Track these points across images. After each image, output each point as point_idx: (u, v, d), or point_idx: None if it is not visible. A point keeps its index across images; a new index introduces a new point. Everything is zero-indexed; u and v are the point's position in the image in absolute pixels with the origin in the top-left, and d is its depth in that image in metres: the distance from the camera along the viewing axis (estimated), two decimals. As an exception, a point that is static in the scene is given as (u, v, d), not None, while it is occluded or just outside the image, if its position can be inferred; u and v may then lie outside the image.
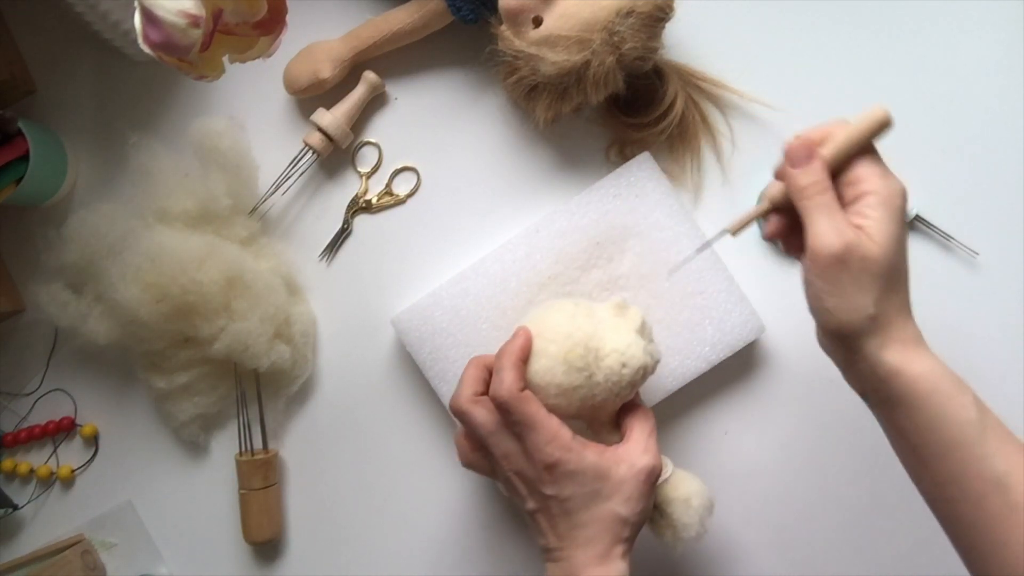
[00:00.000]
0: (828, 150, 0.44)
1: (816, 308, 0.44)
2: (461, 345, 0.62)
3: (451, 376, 0.62)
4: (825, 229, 0.42)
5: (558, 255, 0.62)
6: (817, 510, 0.63)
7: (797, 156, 0.44)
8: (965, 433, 0.41)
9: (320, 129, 0.64)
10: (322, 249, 0.67)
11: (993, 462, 0.40)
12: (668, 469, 0.53)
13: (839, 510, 0.63)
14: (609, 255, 0.62)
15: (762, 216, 0.48)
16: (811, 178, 0.43)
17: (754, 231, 0.65)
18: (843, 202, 0.44)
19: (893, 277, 0.42)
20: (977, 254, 0.63)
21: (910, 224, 0.63)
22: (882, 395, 0.43)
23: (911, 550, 0.63)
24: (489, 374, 0.52)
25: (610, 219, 0.62)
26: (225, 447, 0.67)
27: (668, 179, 0.63)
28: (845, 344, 0.43)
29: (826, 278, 0.42)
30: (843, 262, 0.41)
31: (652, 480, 0.50)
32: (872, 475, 0.63)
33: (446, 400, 0.62)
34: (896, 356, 0.42)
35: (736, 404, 0.64)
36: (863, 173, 0.43)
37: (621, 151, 0.65)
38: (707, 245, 0.54)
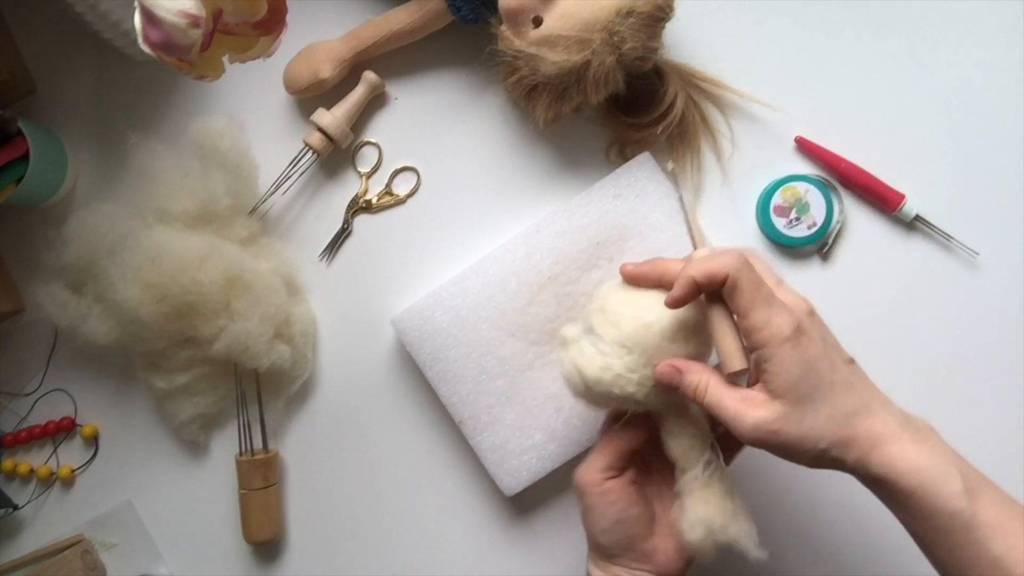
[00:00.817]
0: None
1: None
2: (461, 345, 0.62)
3: (451, 376, 0.62)
4: (730, 417, 0.44)
5: (558, 255, 0.62)
6: (819, 513, 0.63)
7: (669, 379, 0.47)
8: (955, 522, 0.41)
9: (320, 129, 0.64)
10: (322, 249, 0.67)
11: (989, 545, 0.41)
12: (695, 479, 0.50)
13: (840, 514, 0.63)
14: (609, 255, 0.62)
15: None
16: (692, 382, 0.46)
17: (755, 230, 0.65)
18: (752, 347, 0.44)
19: (821, 405, 0.43)
20: (977, 254, 0.63)
21: (910, 224, 0.63)
22: (875, 493, 0.45)
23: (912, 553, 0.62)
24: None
25: (610, 219, 0.62)
26: (225, 447, 0.67)
27: (668, 179, 0.63)
28: (827, 467, 0.44)
29: (766, 448, 0.44)
30: (762, 437, 0.43)
31: (581, 491, 0.51)
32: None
33: (446, 400, 0.62)
34: (875, 463, 0.43)
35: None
36: (753, 322, 0.44)
37: (621, 151, 0.65)
38: None
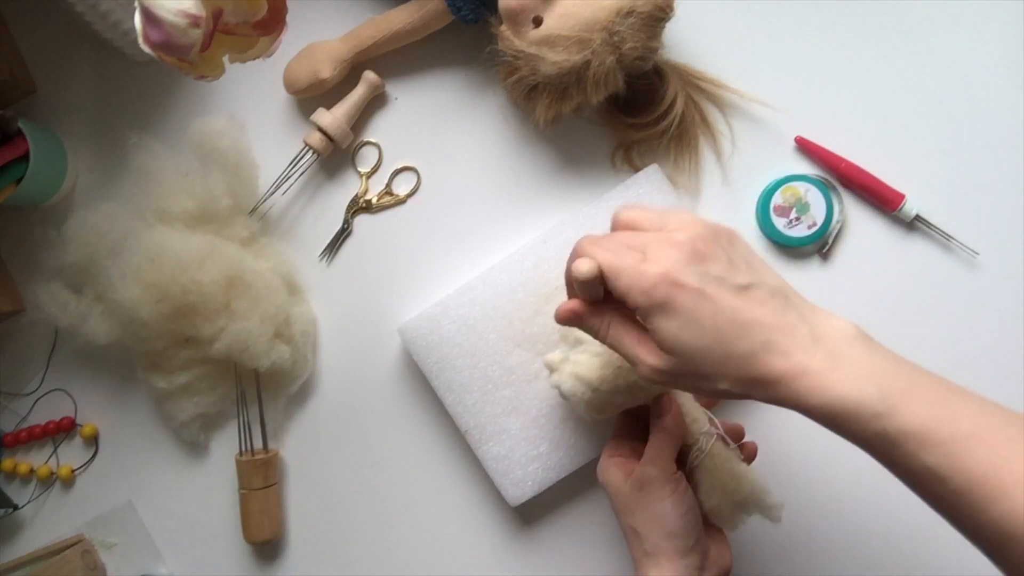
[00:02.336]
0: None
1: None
2: (467, 355, 0.62)
3: (457, 385, 0.62)
4: (631, 360, 0.44)
5: (565, 267, 0.62)
6: (819, 525, 0.63)
7: (568, 320, 0.46)
8: (880, 444, 0.39)
9: (320, 129, 0.64)
10: (322, 249, 0.67)
11: (921, 458, 0.38)
12: (701, 451, 0.52)
13: (842, 525, 0.63)
14: None
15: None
16: (595, 325, 0.45)
17: (755, 230, 0.65)
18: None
19: (713, 352, 0.40)
20: (977, 254, 0.63)
21: (910, 224, 0.63)
22: None
23: (912, 561, 0.63)
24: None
25: (619, 231, 0.62)
26: (225, 447, 0.67)
27: (676, 191, 0.63)
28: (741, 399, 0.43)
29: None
30: (662, 382, 0.43)
31: (655, 481, 0.50)
32: (875, 489, 0.62)
33: (452, 409, 0.62)
34: (785, 399, 0.40)
35: (740, 418, 0.64)
36: (621, 296, 0.42)
37: (627, 156, 0.65)
38: None
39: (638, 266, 0.41)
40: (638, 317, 0.42)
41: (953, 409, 0.39)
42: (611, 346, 0.45)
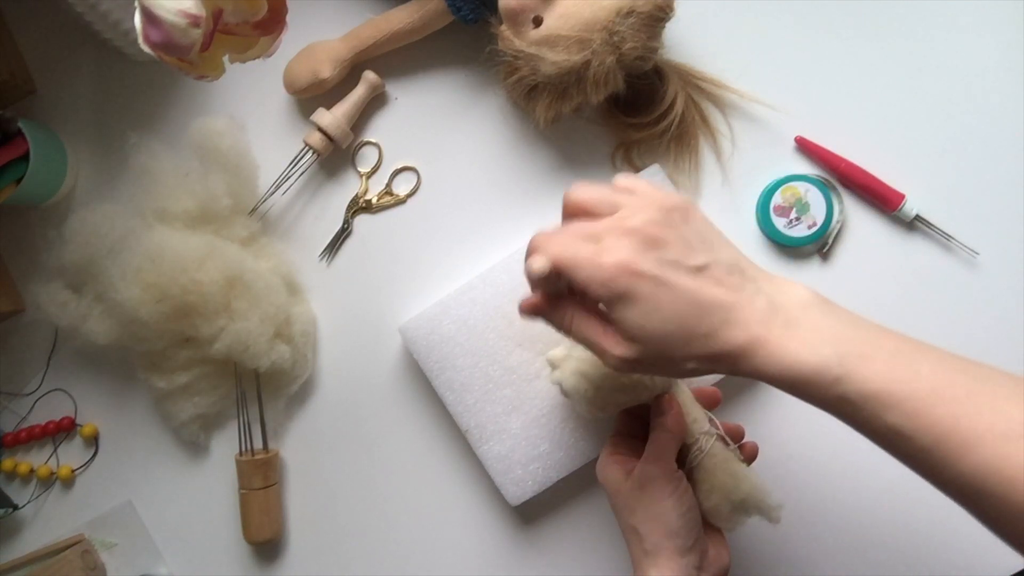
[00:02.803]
0: None
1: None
2: (468, 354, 0.62)
3: (457, 385, 0.62)
4: (597, 352, 0.44)
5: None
6: (819, 526, 0.63)
7: (532, 313, 0.46)
8: (843, 408, 0.39)
9: (320, 129, 0.64)
10: (322, 249, 0.67)
11: (884, 418, 0.38)
12: (700, 451, 0.52)
13: (841, 526, 0.63)
14: None
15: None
16: (559, 319, 0.45)
17: (755, 230, 0.65)
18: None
19: (676, 335, 0.40)
20: (977, 254, 0.63)
21: (910, 224, 0.63)
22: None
23: (912, 562, 0.63)
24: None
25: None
26: (225, 447, 0.67)
27: (676, 191, 0.63)
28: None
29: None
30: (629, 370, 0.43)
31: (657, 478, 0.50)
32: (875, 490, 0.62)
33: (453, 408, 0.62)
34: (746, 371, 0.41)
35: (741, 418, 0.64)
36: (582, 287, 0.42)
37: (627, 156, 0.65)
38: None
39: (595, 258, 0.40)
40: (601, 308, 0.43)
41: (913, 367, 0.39)
42: (576, 339, 0.45)
